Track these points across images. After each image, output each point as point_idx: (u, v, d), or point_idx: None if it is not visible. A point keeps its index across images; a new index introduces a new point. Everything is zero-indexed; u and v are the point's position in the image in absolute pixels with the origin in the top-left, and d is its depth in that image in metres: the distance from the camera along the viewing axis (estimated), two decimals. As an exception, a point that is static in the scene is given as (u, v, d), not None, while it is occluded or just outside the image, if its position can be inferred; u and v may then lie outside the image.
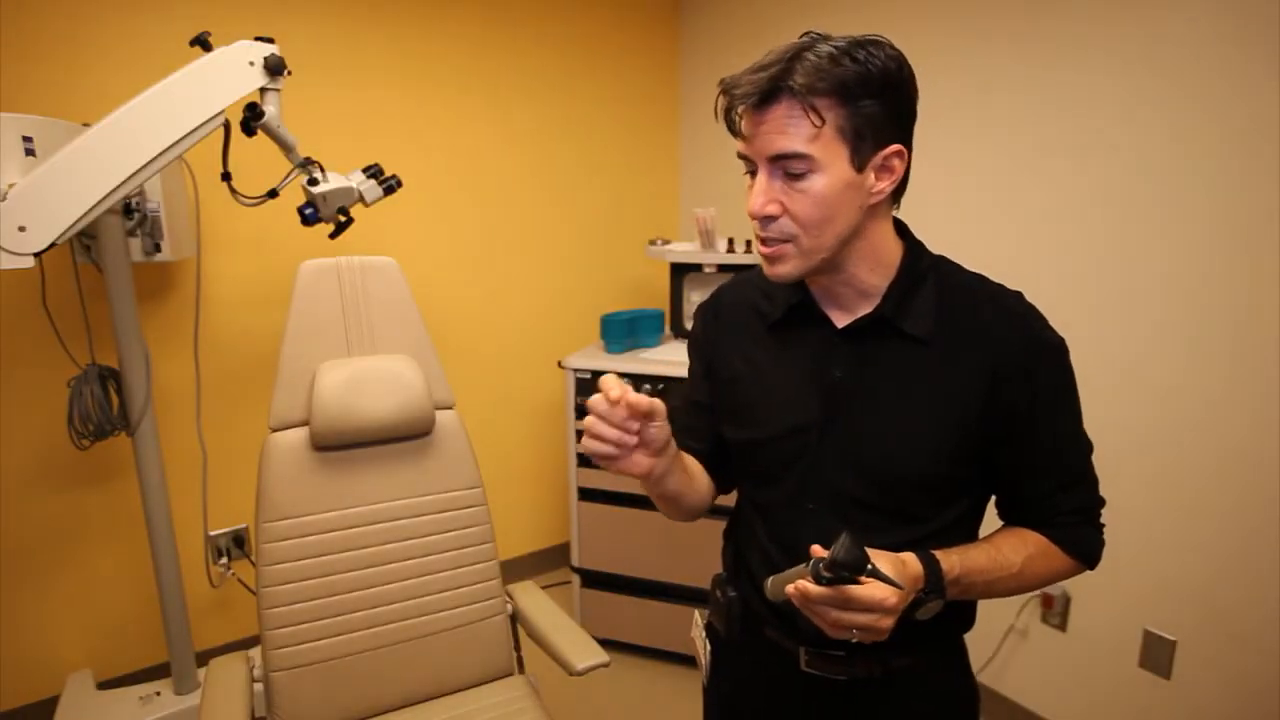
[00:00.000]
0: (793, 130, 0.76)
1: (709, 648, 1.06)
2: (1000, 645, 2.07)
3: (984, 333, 0.84)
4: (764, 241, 0.82)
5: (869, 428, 0.85)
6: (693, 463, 0.98)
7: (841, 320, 0.88)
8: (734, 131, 0.81)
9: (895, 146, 0.79)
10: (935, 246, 0.91)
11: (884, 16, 2.18)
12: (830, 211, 0.78)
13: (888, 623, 0.72)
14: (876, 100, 0.76)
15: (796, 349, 0.91)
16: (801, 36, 0.79)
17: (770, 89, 0.75)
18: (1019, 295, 0.87)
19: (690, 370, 1.05)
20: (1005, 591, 0.85)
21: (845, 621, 0.71)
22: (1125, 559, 1.78)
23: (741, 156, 0.82)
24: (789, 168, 0.78)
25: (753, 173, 0.81)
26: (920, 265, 0.87)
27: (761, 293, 0.96)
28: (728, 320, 0.99)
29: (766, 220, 0.80)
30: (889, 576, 0.70)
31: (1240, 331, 1.57)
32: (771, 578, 0.78)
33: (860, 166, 0.78)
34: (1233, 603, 1.62)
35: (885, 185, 0.81)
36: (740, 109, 0.79)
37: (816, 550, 0.71)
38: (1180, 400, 1.67)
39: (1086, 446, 0.89)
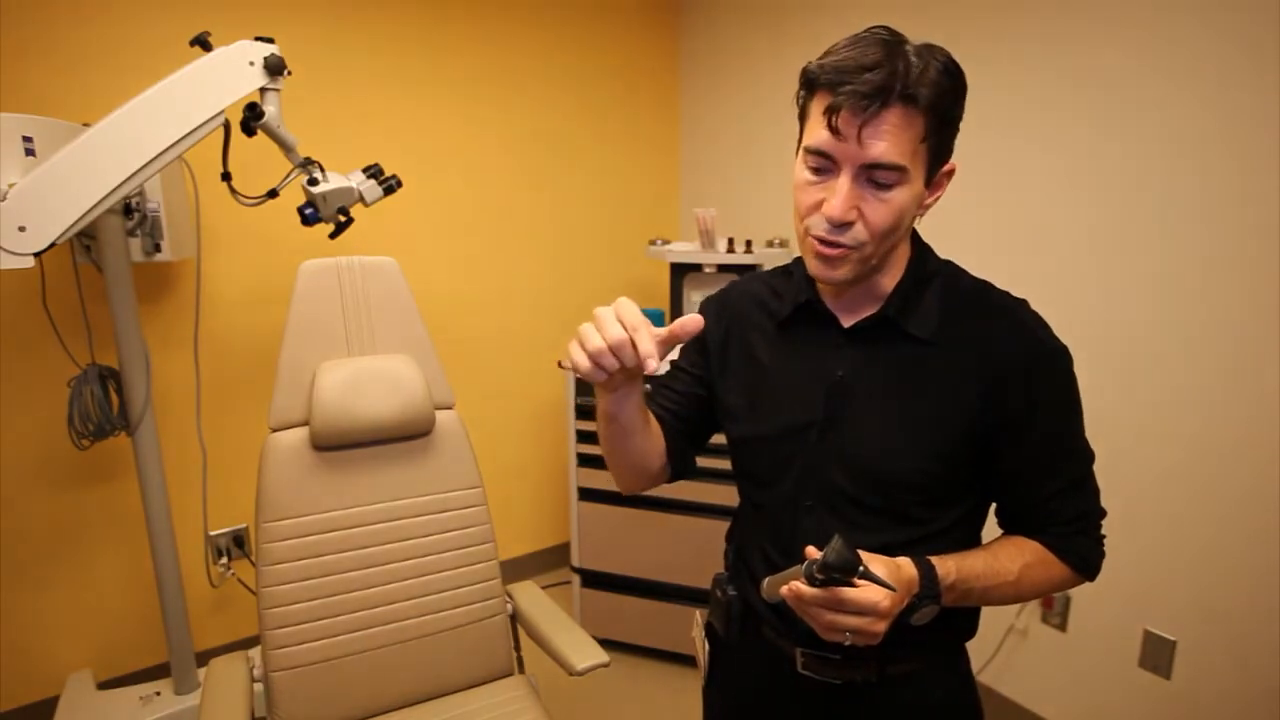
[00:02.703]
0: (895, 140, 0.73)
1: (708, 648, 1.06)
2: (1000, 645, 2.07)
3: (987, 336, 0.84)
4: (827, 244, 0.78)
5: (869, 427, 0.85)
6: (654, 423, 0.95)
7: (848, 320, 0.88)
8: (833, 129, 0.74)
9: (950, 165, 0.80)
10: (941, 250, 0.91)
11: (884, 17, 2.17)
12: (899, 223, 0.78)
13: (881, 626, 0.72)
14: (957, 116, 0.77)
15: (803, 347, 0.91)
16: (870, 30, 0.75)
17: (889, 92, 0.71)
18: (1023, 302, 0.87)
19: (682, 346, 1.04)
20: (1003, 599, 0.85)
21: (838, 624, 0.71)
22: (1125, 559, 1.77)
23: (817, 152, 0.76)
24: (878, 177, 0.75)
25: (818, 169, 0.78)
26: (926, 268, 0.87)
27: (771, 291, 0.96)
28: (736, 316, 0.98)
29: (843, 226, 0.77)
30: (881, 578, 0.69)
31: (1241, 331, 1.57)
32: (768, 578, 0.78)
33: (928, 181, 0.78)
34: (1233, 603, 1.62)
35: (932, 201, 0.82)
36: (846, 109, 0.72)
37: (811, 552, 0.71)
38: (1180, 400, 1.67)
39: (1087, 455, 0.88)
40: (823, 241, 0.79)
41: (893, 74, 0.71)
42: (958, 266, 0.91)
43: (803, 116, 0.81)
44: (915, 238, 0.89)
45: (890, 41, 0.74)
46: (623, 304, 0.71)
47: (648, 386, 0.91)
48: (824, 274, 0.81)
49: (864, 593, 0.70)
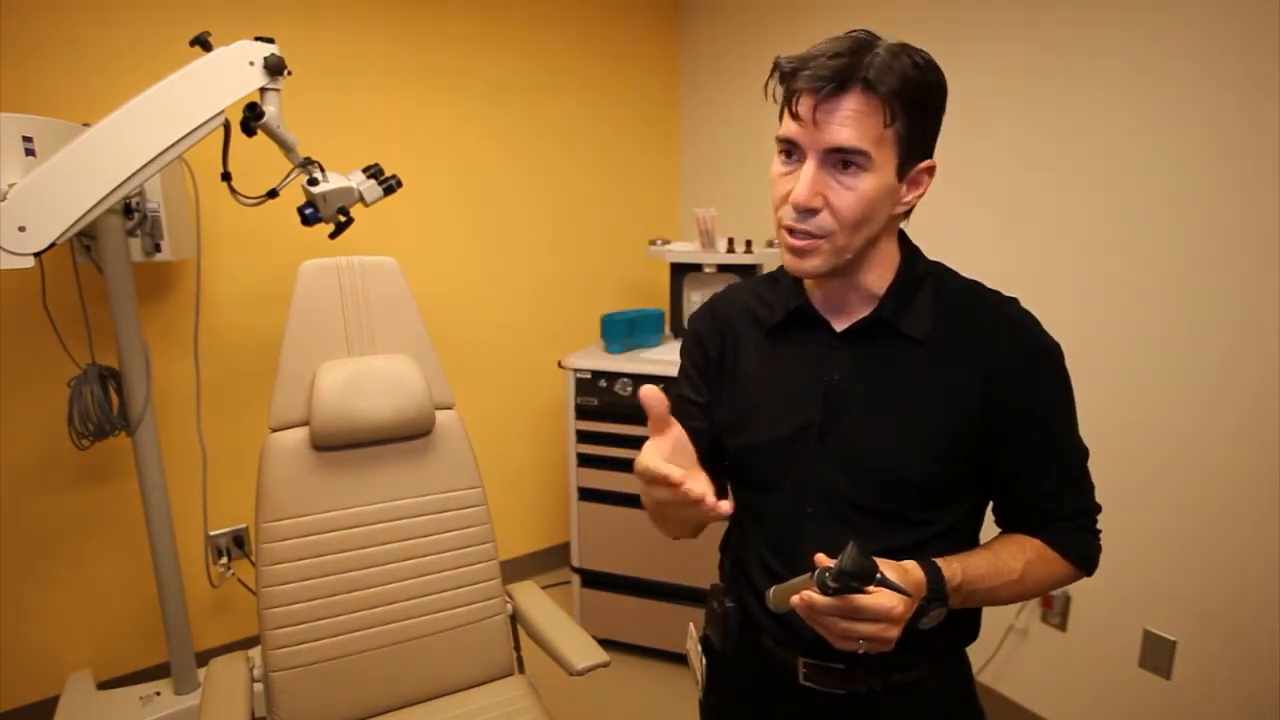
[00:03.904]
0: (858, 125, 0.73)
1: (704, 661, 1.05)
2: (1000, 645, 2.07)
3: (980, 336, 0.84)
4: (796, 233, 0.79)
5: (868, 430, 0.85)
6: None
7: (840, 324, 0.88)
8: (793, 114, 0.76)
9: (929, 162, 0.80)
10: (930, 251, 0.91)
11: (883, 18, 2.18)
12: (869, 214, 0.78)
13: (894, 632, 0.71)
14: (930, 111, 0.77)
15: (795, 353, 0.90)
16: (849, 32, 0.77)
17: (846, 78, 0.73)
18: (1014, 300, 0.88)
19: (681, 369, 1.03)
20: (1007, 598, 0.85)
21: (853, 631, 0.70)
22: (1125, 559, 1.78)
23: (786, 140, 0.78)
24: (841, 162, 0.76)
25: (787, 153, 0.79)
26: (917, 269, 0.88)
27: (758, 299, 0.96)
28: (728, 326, 0.98)
29: (808, 213, 0.78)
30: (897, 584, 0.69)
31: (1238, 331, 1.57)
32: (774, 588, 0.76)
33: (901, 176, 0.78)
34: (1233, 603, 1.62)
35: (912, 199, 0.81)
36: (804, 93, 0.75)
37: (821, 559, 0.70)
38: (1179, 400, 1.67)
39: (1082, 452, 0.89)
40: (792, 231, 0.80)
41: (854, 62, 0.73)
42: (947, 267, 0.91)
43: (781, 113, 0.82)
44: (904, 240, 0.89)
45: (864, 40, 0.75)
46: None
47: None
48: (796, 266, 0.82)
49: (878, 599, 0.69)
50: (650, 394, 0.71)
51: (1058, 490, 0.87)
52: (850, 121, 0.73)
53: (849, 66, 0.72)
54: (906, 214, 0.85)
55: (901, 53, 0.75)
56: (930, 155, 0.81)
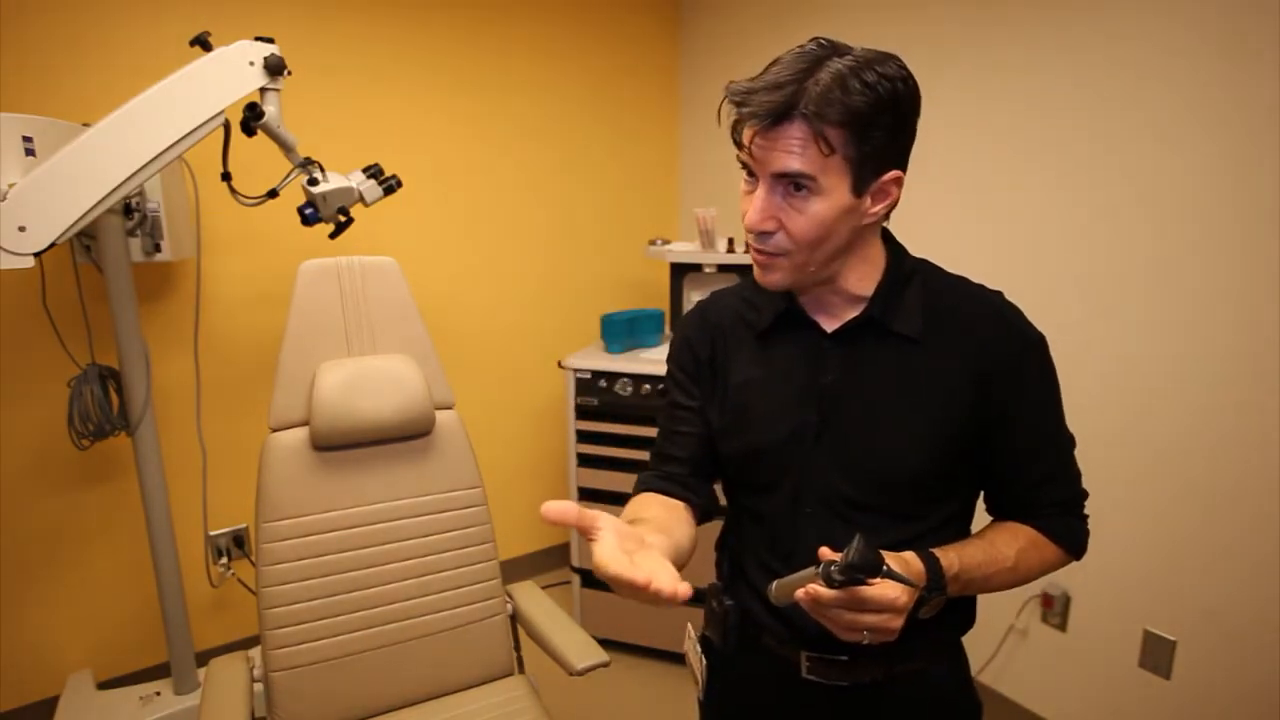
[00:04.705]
0: (800, 153, 0.75)
1: (704, 661, 1.05)
2: (1000, 645, 2.07)
3: (970, 331, 0.85)
4: (758, 251, 0.83)
5: (864, 428, 0.86)
6: (669, 515, 0.90)
7: (830, 324, 0.89)
8: (737, 142, 0.79)
9: (895, 173, 0.80)
10: (917, 249, 0.92)
11: (880, 17, 2.18)
12: (824, 233, 0.79)
13: (898, 622, 0.73)
14: (883, 130, 0.76)
15: (787, 355, 0.91)
16: (810, 43, 0.77)
17: (783, 114, 0.74)
18: (1000, 294, 0.90)
19: (669, 375, 1.03)
20: (1002, 585, 0.86)
21: (858, 623, 0.72)
22: (1125, 559, 1.78)
23: (743, 163, 0.81)
24: (791, 187, 0.78)
25: (750, 174, 0.81)
26: (904, 268, 0.88)
27: (746, 303, 0.96)
28: (715, 331, 0.98)
29: (764, 234, 0.81)
30: (903, 576, 0.70)
31: (1237, 330, 1.57)
32: (777, 582, 0.77)
33: (859, 192, 0.79)
34: (1232, 602, 1.62)
35: (880, 209, 0.82)
36: (747, 124, 0.77)
37: (825, 553, 0.71)
38: (1178, 400, 1.67)
39: (1069, 440, 0.91)
40: (755, 249, 0.83)
41: (795, 94, 0.73)
42: (933, 264, 0.92)
43: None
44: (889, 238, 0.90)
45: (817, 57, 0.75)
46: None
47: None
48: (760, 279, 0.85)
49: (883, 590, 0.71)
50: (553, 510, 0.63)
51: (1047, 478, 0.90)
52: (794, 148, 0.75)
53: (789, 99, 0.73)
54: (885, 217, 0.85)
55: (851, 74, 0.73)
56: (899, 165, 0.80)
